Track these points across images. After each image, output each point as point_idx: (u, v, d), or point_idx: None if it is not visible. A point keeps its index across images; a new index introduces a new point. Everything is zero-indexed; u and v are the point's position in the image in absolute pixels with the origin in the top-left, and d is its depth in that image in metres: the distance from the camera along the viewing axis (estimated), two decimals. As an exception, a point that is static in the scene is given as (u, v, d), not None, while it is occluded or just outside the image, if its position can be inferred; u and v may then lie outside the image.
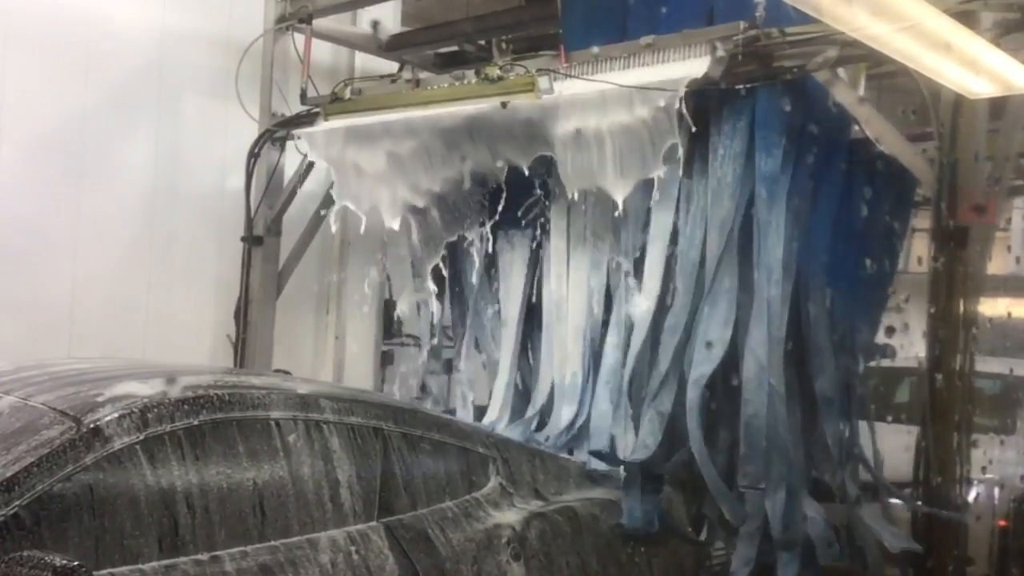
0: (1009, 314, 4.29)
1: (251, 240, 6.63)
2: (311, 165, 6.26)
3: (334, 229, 6.37)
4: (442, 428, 3.72)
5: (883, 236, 4.96)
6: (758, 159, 4.37)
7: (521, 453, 4.04)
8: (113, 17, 6.42)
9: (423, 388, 5.91)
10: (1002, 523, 4.36)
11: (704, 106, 4.47)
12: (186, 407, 2.92)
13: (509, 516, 3.70)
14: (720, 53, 4.31)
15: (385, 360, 7.74)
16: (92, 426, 2.73)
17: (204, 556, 2.79)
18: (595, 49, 4.73)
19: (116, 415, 2.78)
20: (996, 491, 4.21)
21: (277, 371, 3.86)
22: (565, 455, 4.61)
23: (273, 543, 2.95)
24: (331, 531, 3.11)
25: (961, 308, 3.98)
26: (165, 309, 6.67)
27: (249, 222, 6.61)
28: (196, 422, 2.90)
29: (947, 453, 3.95)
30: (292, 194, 6.66)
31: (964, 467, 3.92)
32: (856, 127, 4.53)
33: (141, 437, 2.78)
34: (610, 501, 4.21)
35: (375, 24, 6.95)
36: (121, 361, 3.79)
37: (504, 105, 4.88)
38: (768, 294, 4.33)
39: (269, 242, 6.67)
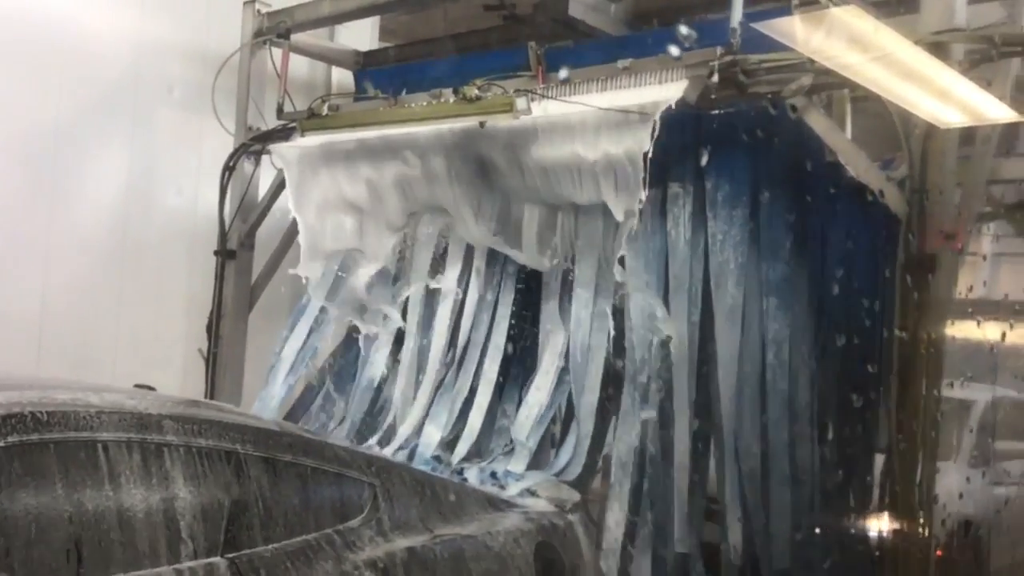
0: (953, 337, 4.34)
1: (224, 254, 6.61)
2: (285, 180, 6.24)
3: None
4: (313, 452, 3.38)
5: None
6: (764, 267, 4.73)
7: (408, 481, 3.71)
8: (88, 28, 6.38)
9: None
10: (939, 553, 4.37)
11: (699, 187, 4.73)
12: None
13: (381, 551, 3.40)
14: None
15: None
16: None
17: None
18: (563, 73, 4.82)
19: None
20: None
21: (139, 386, 3.57)
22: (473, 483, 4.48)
23: None
24: (161, 568, 2.77)
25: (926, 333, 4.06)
26: (137, 322, 6.62)
27: (223, 236, 6.59)
28: (2, 444, 2.53)
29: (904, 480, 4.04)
30: (266, 208, 6.64)
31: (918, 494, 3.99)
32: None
33: None
34: (505, 532, 3.86)
35: None
36: None
37: (482, 125, 4.91)
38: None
39: (242, 256, 6.65)
